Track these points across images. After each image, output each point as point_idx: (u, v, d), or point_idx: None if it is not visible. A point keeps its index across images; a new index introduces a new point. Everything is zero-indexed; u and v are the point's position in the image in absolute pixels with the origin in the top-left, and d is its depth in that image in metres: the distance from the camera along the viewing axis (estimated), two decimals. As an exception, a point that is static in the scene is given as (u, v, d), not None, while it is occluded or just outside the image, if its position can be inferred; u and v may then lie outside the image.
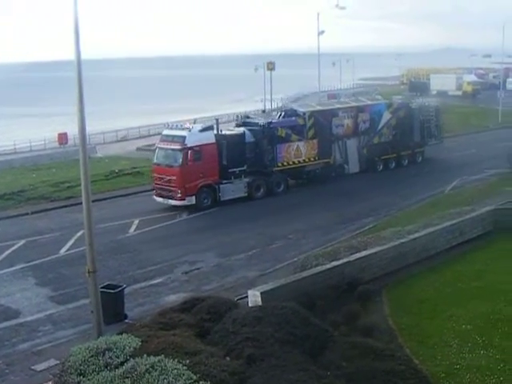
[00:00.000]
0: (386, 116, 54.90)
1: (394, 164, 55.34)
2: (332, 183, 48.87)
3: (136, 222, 39.20)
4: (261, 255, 32.48)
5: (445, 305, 24.39)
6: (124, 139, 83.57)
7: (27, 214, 42.49)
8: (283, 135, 47.28)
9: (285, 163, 47.40)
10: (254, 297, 22.51)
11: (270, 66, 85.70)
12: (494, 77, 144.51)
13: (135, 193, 48.04)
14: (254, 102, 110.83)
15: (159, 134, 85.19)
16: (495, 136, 69.83)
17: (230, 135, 45.53)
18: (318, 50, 73.74)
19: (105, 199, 44.86)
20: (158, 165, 44.05)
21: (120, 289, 24.27)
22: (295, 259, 30.18)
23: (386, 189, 47.02)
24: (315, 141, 49.11)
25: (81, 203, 20.90)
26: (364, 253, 27.57)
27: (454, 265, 29.19)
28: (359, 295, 24.54)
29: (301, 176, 49.45)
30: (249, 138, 46.09)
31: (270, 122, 47.44)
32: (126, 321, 23.70)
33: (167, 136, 44.26)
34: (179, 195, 42.04)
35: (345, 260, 26.63)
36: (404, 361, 19.10)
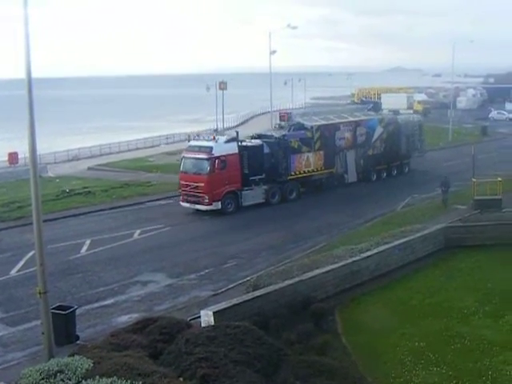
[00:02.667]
0: (379, 130, 59.18)
1: (385, 174, 59.46)
2: (333, 191, 52.58)
3: (87, 242, 38.77)
4: (213, 275, 32.37)
5: (398, 322, 24.55)
6: (75, 159, 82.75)
7: (-23, 234, 41.83)
8: (296, 147, 51.19)
9: (297, 172, 51.19)
10: (206, 316, 22.41)
11: (222, 86, 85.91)
12: (444, 96, 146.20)
13: (86, 213, 47.46)
14: (208, 121, 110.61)
15: (110, 153, 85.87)
16: (445, 154, 70.59)
17: (251, 146, 49.09)
18: (269, 70, 74.17)
19: (56, 219, 44.26)
20: (185, 173, 47.23)
21: (71, 310, 23.98)
22: (248, 278, 30.09)
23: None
24: (321, 152, 53.11)
25: (31, 223, 20.64)
26: (317, 271, 27.63)
27: (406, 282, 29.45)
28: (312, 314, 24.55)
29: (308, 184, 52.58)
30: (266, 149, 49.56)
31: (285, 135, 51.58)
32: (78, 342, 23.39)
33: (194, 147, 47.75)
34: (206, 201, 45.42)
35: (298, 279, 26.65)
36: (358, 379, 19.19)
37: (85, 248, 37.74)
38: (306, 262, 30.24)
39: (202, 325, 22.16)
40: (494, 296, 26.88)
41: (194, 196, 46.00)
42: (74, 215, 46.88)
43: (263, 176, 48.77)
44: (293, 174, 50.66)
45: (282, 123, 56.89)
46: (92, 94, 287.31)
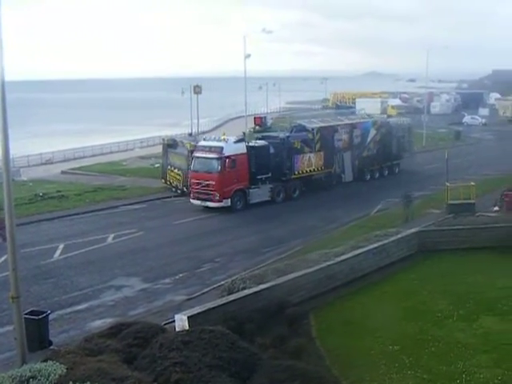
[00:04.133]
0: (372, 132, 62.71)
1: (377, 174, 62.76)
2: (330, 190, 55.33)
3: (61, 246, 38.53)
4: (188, 279, 32.28)
5: (372, 326, 24.58)
6: (49, 162, 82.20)
7: None
8: (298, 147, 54.15)
9: (300, 172, 54.07)
10: (181, 321, 22.30)
11: (197, 90, 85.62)
12: (418, 101, 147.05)
13: (60, 217, 47.19)
14: (185, 126, 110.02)
15: (84, 157, 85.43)
16: (419, 160, 70.78)
17: (258, 146, 51.75)
18: (244, 74, 74.16)
19: (29, 223, 43.90)
20: (196, 171, 49.42)
21: (44, 315, 23.79)
22: (222, 282, 30.03)
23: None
24: (321, 153, 56.10)
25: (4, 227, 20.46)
26: (291, 275, 27.61)
27: (381, 286, 29.51)
28: (287, 318, 24.51)
29: (309, 183, 55.10)
30: (272, 149, 52.32)
31: (288, 136, 54.62)
32: (51, 347, 23.19)
33: (204, 146, 49.84)
34: (217, 198, 47.89)
35: (272, 283, 26.61)
36: (332, 383, 19.12)
37: (58, 252, 37.48)
38: (280, 266, 30.22)
39: (177, 329, 22.04)
40: (467, 299, 26.98)
41: (204, 194, 48.45)
42: (48, 219, 46.55)
43: (269, 175, 51.35)
44: (296, 173, 53.46)
45: (257, 127, 57.59)
46: (66, 98, 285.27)
